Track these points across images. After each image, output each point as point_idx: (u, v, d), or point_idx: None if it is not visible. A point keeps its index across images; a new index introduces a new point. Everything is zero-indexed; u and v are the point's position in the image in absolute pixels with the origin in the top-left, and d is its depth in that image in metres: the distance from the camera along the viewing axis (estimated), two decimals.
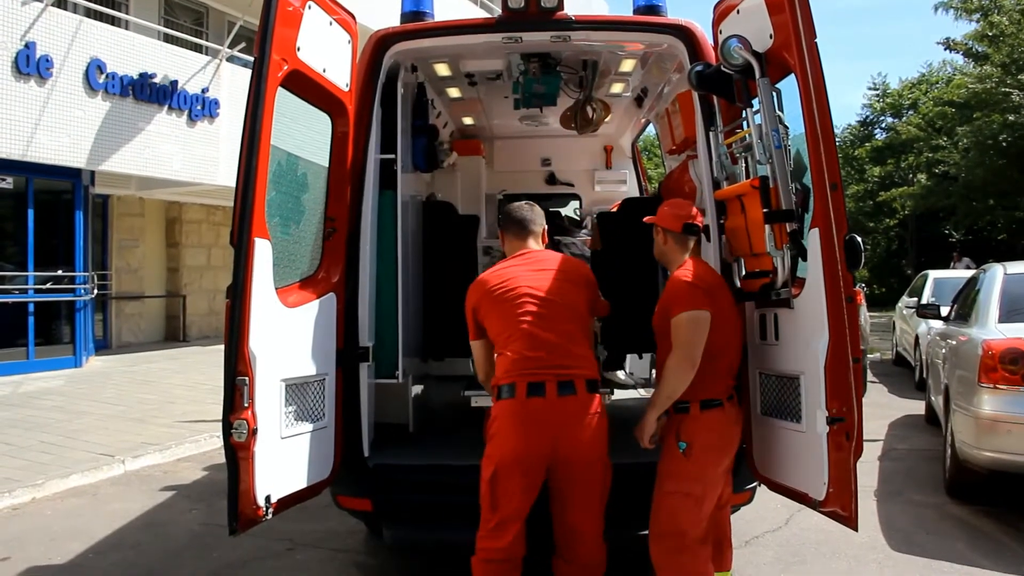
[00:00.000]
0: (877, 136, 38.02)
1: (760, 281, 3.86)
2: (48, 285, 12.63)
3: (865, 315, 11.49)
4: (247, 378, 3.29)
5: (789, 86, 3.61)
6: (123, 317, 15.92)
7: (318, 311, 3.94)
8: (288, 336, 3.69)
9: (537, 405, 3.42)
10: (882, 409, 10.06)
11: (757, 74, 3.59)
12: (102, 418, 9.16)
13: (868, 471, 7.06)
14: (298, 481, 3.72)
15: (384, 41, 4.39)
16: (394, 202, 4.55)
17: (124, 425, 8.81)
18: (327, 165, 4.17)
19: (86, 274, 13.08)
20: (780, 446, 3.79)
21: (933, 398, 8.19)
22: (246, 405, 3.28)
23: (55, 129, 11.55)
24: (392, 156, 4.53)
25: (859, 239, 3.29)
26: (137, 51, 12.86)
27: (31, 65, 11.13)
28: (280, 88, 3.54)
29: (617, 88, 6.09)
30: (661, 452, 3.66)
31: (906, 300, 13.93)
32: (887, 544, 5.26)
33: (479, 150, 7.65)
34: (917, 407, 9.77)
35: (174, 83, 13.30)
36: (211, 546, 5.31)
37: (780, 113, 3.57)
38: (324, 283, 4.07)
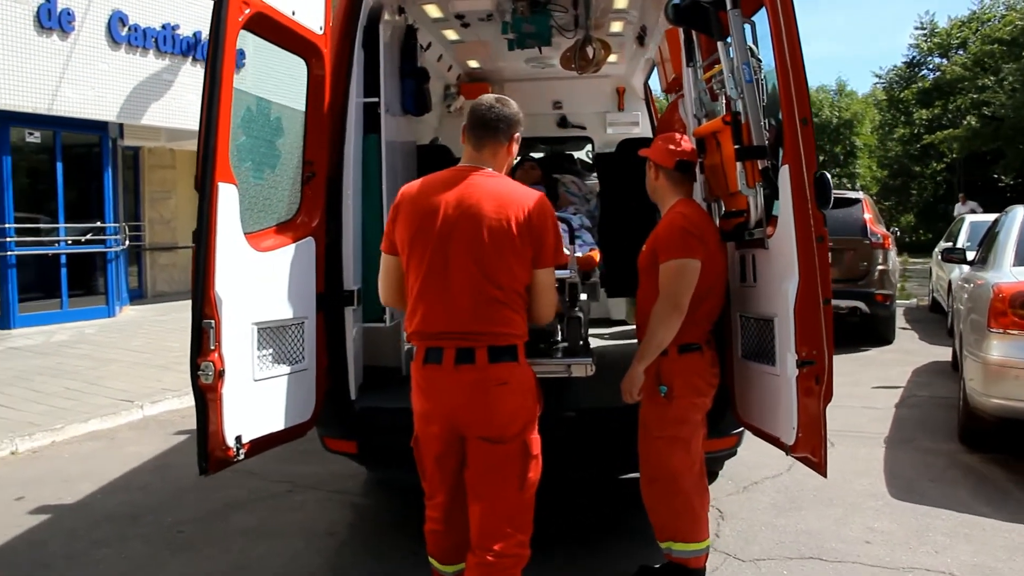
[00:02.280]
0: (925, 77, 36.61)
1: (735, 220, 3.77)
2: (85, 237, 12.87)
3: (894, 260, 11.19)
4: (213, 321, 3.31)
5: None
6: (157, 268, 16.21)
7: (295, 255, 3.92)
8: (260, 280, 3.68)
9: (433, 373, 3.06)
10: (910, 355, 9.88)
11: (728, 6, 3.45)
12: (128, 365, 9.40)
13: (882, 418, 6.96)
14: (275, 423, 3.76)
15: None
16: (378, 145, 4.51)
17: (148, 372, 9.03)
18: (304, 109, 4.13)
19: (116, 225, 13.33)
20: (758, 390, 3.74)
21: (956, 344, 8.00)
22: (212, 348, 3.30)
23: (79, 83, 11.66)
24: (375, 100, 4.48)
25: (828, 176, 3.17)
26: (159, 2, 12.88)
27: (53, 19, 11.22)
28: (244, 31, 3.49)
29: (616, 27, 5.93)
30: (643, 397, 3.62)
31: (942, 245, 13.56)
32: (887, 491, 5.19)
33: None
34: (946, 354, 9.52)
35: (197, 34, 13.30)
36: (215, 487, 5.40)
37: (752, 46, 3.44)
38: (303, 227, 4.05)
